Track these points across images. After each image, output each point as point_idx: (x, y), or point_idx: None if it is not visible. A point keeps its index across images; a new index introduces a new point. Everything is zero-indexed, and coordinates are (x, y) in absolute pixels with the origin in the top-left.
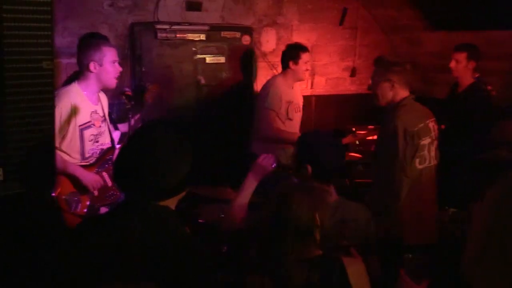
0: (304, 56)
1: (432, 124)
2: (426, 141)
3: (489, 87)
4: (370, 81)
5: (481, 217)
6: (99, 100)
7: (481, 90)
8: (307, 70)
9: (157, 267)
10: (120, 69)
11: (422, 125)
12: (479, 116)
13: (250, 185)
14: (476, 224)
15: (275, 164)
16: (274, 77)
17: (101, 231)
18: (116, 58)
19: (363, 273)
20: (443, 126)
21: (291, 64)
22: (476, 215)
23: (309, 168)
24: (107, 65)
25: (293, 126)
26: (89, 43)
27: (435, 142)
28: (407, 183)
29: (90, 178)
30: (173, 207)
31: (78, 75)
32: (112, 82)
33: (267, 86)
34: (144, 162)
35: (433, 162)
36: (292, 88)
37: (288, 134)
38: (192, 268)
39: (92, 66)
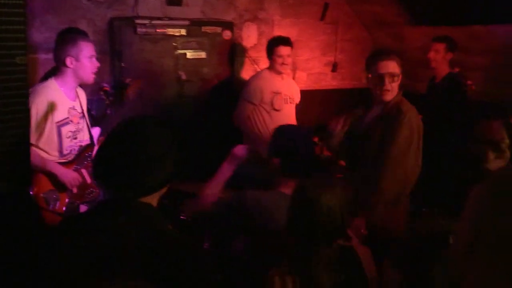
0: (278, 50)
1: None
2: None
3: (468, 82)
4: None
5: (467, 214)
6: (77, 96)
7: (459, 82)
8: (283, 64)
9: (144, 265)
10: (98, 64)
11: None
12: (455, 105)
13: (223, 174)
14: (462, 221)
15: (248, 154)
16: (261, 70)
17: (86, 230)
18: (93, 53)
19: (371, 258)
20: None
21: (268, 58)
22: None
23: (276, 161)
24: (84, 60)
25: (282, 117)
26: (66, 38)
27: None
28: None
29: (68, 176)
30: (154, 204)
31: (55, 71)
32: (89, 77)
33: (250, 79)
34: (127, 158)
35: None
36: (282, 79)
37: (248, 124)
38: (179, 265)
39: (68, 61)
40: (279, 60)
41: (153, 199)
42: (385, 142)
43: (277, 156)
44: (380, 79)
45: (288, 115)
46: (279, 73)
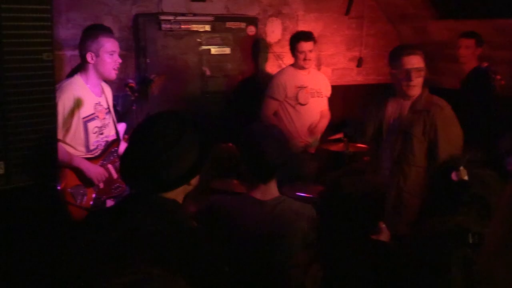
0: (299, 46)
1: None
2: None
3: (498, 76)
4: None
5: (500, 214)
6: (102, 91)
7: (488, 77)
8: (305, 59)
9: (161, 256)
10: (120, 60)
11: None
12: (484, 100)
13: None
14: (496, 218)
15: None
16: (285, 67)
17: (110, 224)
18: (115, 49)
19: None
20: None
21: (292, 54)
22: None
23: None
24: (104, 56)
25: (308, 111)
26: (87, 34)
27: None
28: None
29: (94, 171)
30: (180, 200)
31: (80, 67)
32: (110, 73)
33: (273, 76)
34: (150, 154)
35: None
36: (308, 73)
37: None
38: (199, 260)
39: (89, 56)
40: (301, 56)
41: (177, 195)
42: (438, 139)
43: (243, 159)
44: (406, 74)
45: (315, 109)
46: (303, 68)
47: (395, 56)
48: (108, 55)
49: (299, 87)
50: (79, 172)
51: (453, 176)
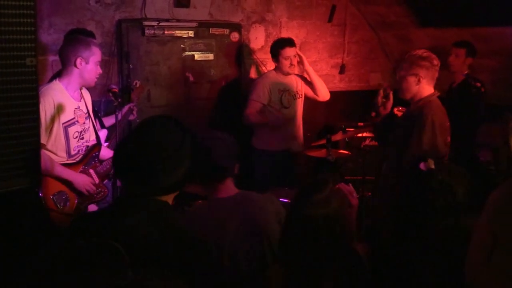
0: (284, 52)
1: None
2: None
3: (477, 84)
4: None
5: (485, 221)
6: (81, 96)
7: (469, 85)
8: (291, 65)
9: (160, 261)
10: (101, 71)
11: (448, 123)
12: (467, 112)
13: None
14: (480, 227)
15: None
16: (268, 71)
17: (104, 226)
18: (101, 59)
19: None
20: None
21: (274, 61)
22: (480, 218)
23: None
24: (92, 65)
25: (291, 113)
26: (79, 39)
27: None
28: None
29: (81, 181)
30: (170, 202)
31: (60, 71)
32: (93, 81)
33: (256, 80)
34: (145, 157)
35: None
36: (289, 76)
37: (260, 116)
38: (192, 262)
39: (78, 62)
40: (287, 62)
41: (169, 198)
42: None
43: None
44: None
45: (298, 110)
46: (288, 74)
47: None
48: (96, 64)
49: (282, 91)
50: (61, 179)
51: (422, 166)
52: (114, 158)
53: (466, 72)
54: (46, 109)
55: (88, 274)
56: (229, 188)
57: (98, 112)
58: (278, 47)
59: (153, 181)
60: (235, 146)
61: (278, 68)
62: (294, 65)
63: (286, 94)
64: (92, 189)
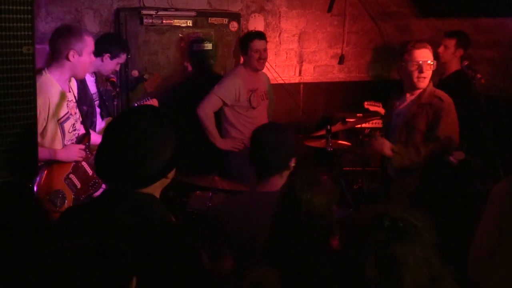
0: (253, 45)
1: None
2: None
3: (478, 75)
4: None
5: (490, 216)
6: (70, 87)
7: (466, 78)
8: (260, 59)
9: (143, 254)
10: (94, 59)
11: None
12: (461, 99)
13: None
14: (485, 222)
15: None
16: (237, 66)
17: (86, 220)
18: (93, 48)
19: None
20: None
21: (243, 55)
22: (485, 213)
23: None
24: (86, 56)
25: (258, 115)
26: (70, 30)
27: None
28: None
29: (72, 154)
30: (157, 195)
31: (50, 63)
32: (85, 72)
33: (225, 77)
34: (124, 149)
35: None
36: (257, 75)
37: (211, 127)
38: (175, 255)
39: (71, 54)
40: (256, 55)
41: (155, 190)
42: (438, 126)
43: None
44: (418, 67)
45: (264, 111)
46: (256, 70)
47: (406, 49)
48: (89, 54)
49: (251, 91)
50: (53, 176)
51: (451, 158)
52: (95, 163)
53: (466, 63)
54: (40, 110)
55: (88, 274)
56: (277, 182)
57: (105, 101)
58: (248, 39)
59: (129, 171)
60: (293, 140)
61: (246, 63)
62: (263, 59)
63: (254, 94)
64: (83, 154)
